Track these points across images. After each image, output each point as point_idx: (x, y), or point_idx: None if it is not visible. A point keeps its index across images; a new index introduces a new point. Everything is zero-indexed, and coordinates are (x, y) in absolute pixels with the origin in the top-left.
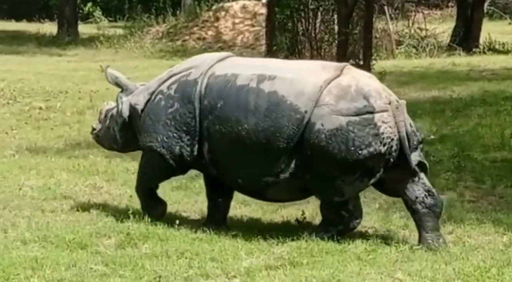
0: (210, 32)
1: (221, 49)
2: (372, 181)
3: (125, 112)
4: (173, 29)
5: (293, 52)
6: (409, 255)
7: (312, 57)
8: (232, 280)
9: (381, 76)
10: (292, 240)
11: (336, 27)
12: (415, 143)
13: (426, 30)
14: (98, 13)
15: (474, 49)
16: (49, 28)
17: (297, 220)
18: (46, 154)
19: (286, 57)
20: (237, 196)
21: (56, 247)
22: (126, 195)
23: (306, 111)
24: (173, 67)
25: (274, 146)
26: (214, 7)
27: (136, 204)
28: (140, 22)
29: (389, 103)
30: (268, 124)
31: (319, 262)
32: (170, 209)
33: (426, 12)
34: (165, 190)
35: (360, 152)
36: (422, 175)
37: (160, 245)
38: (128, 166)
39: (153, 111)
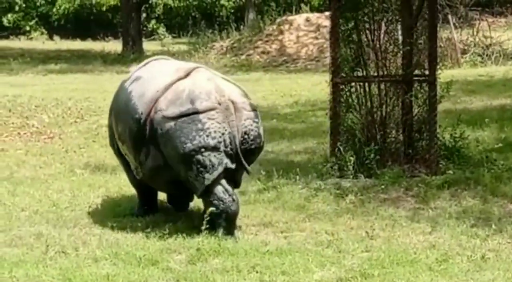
0: (274, 46)
1: (285, 62)
2: (218, 170)
3: None
4: (237, 43)
5: (358, 63)
6: (480, 264)
7: (377, 68)
8: None
9: (448, 85)
10: (363, 251)
11: (400, 38)
12: (246, 146)
13: (491, 38)
14: (162, 30)
15: None
16: (114, 46)
17: (366, 231)
18: (115, 172)
19: (351, 69)
20: (305, 210)
21: (127, 264)
22: (196, 210)
23: (142, 113)
24: None
25: (129, 143)
26: (277, 21)
27: (206, 218)
28: (203, 38)
29: (219, 104)
30: (124, 121)
31: (390, 273)
32: (239, 223)
33: (490, 20)
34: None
35: (185, 146)
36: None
37: (230, 260)
38: None
39: None
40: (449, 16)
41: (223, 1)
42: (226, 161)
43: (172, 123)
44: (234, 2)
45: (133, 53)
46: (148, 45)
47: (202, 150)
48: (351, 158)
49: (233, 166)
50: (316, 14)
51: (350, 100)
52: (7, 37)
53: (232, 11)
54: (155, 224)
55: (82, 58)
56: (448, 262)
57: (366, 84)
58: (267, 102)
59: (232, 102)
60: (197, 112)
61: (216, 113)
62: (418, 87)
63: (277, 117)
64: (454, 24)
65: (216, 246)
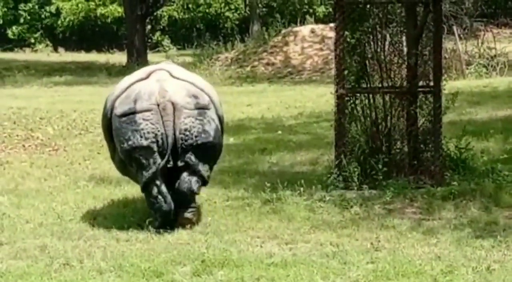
0: (279, 57)
1: (290, 74)
2: (153, 169)
3: None
4: (242, 55)
5: (362, 75)
6: (486, 276)
7: (381, 79)
8: None
9: (453, 96)
10: (368, 263)
11: (405, 49)
12: (183, 145)
13: (496, 49)
14: (166, 41)
15: None
16: (119, 58)
17: (371, 243)
18: (120, 184)
19: (356, 80)
20: (310, 222)
21: (132, 276)
22: (201, 222)
23: (108, 111)
24: None
25: (104, 139)
26: (282, 32)
27: (211, 230)
28: (208, 50)
29: (157, 105)
30: (101, 119)
31: None
32: (244, 235)
33: (495, 31)
34: (239, 215)
35: (122, 145)
36: (185, 174)
37: (235, 272)
38: (202, 194)
39: None
40: (454, 27)
41: (227, 12)
42: (159, 160)
43: (117, 122)
44: (239, 14)
45: (137, 65)
46: (153, 57)
47: (137, 149)
48: (356, 169)
49: (167, 165)
50: (321, 26)
51: (355, 111)
52: (12, 50)
53: (237, 22)
54: (159, 236)
55: (87, 70)
56: (453, 274)
57: (371, 95)
58: (271, 113)
59: (172, 103)
60: (134, 113)
61: (151, 115)
62: (423, 99)
63: (282, 129)
64: (459, 35)
65: (221, 257)
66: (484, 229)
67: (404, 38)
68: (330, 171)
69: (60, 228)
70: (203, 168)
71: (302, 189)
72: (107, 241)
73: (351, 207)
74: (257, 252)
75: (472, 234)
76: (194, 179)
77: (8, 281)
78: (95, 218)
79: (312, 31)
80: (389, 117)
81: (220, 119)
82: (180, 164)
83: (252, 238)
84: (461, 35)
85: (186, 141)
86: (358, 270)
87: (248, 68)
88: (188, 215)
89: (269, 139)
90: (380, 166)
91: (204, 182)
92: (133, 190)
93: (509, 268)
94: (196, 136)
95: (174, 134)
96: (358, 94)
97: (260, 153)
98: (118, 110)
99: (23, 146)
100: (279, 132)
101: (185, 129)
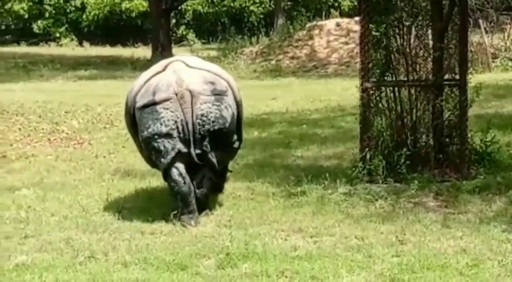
0: (304, 51)
1: (315, 67)
2: (172, 154)
3: None
4: (267, 49)
5: (388, 68)
6: None
7: (407, 73)
8: None
9: (477, 89)
10: (393, 256)
11: (431, 42)
12: (201, 131)
13: None
14: (191, 35)
15: None
16: (143, 52)
17: (396, 236)
18: (144, 177)
19: (381, 74)
20: (335, 215)
21: (157, 268)
22: (225, 215)
23: (129, 105)
24: None
25: (129, 133)
26: (307, 26)
27: (235, 223)
28: (233, 43)
29: (176, 94)
30: (124, 115)
31: (420, 278)
32: (269, 228)
33: None
34: (264, 209)
35: (143, 133)
36: (200, 160)
37: (259, 264)
38: (227, 187)
39: None
40: (480, 21)
41: (252, 6)
42: (179, 146)
43: (138, 114)
44: (263, 8)
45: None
46: (177, 51)
47: (156, 136)
48: (380, 163)
49: (186, 150)
50: (346, 19)
51: (380, 105)
52: (37, 44)
53: (262, 16)
54: (184, 229)
55: (111, 64)
56: (479, 267)
57: (396, 89)
58: (296, 107)
59: (190, 91)
60: (154, 104)
61: (170, 103)
62: (449, 92)
63: (307, 123)
64: (484, 28)
65: (245, 250)
66: (510, 223)
67: (429, 31)
68: (355, 164)
69: (85, 221)
70: (216, 155)
71: (326, 182)
72: (132, 234)
73: (376, 200)
74: (281, 245)
75: (498, 227)
76: (206, 176)
77: (34, 274)
78: (120, 211)
79: (337, 25)
80: (414, 111)
81: (238, 104)
82: (197, 151)
83: (276, 231)
84: (487, 29)
85: (203, 126)
86: (383, 263)
87: (273, 62)
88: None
89: (293, 133)
90: (404, 159)
91: (216, 172)
92: (158, 183)
93: None
94: (213, 122)
95: (192, 120)
96: (383, 88)
97: (285, 146)
98: (139, 103)
99: (49, 139)
100: (304, 126)
101: (202, 115)
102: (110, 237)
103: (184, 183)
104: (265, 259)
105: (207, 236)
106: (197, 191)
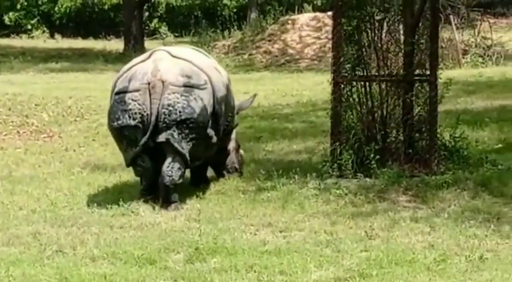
0: (276, 45)
1: (287, 62)
2: (139, 145)
3: None
4: (239, 43)
5: (359, 63)
6: (479, 265)
7: (378, 67)
8: None
9: (447, 84)
10: (361, 251)
11: (402, 38)
12: (166, 120)
13: (492, 39)
14: (164, 29)
15: None
16: (116, 45)
17: (365, 231)
18: (114, 171)
19: (353, 68)
20: (304, 210)
21: (125, 263)
22: (195, 209)
23: (111, 90)
24: None
25: None
26: (280, 20)
27: (205, 218)
28: (206, 37)
29: (148, 84)
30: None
31: (388, 273)
32: (238, 222)
33: (492, 21)
34: (234, 203)
35: (113, 123)
36: (165, 164)
37: (228, 259)
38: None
39: None
40: (451, 17)
41: (225, 0)
42: (145, 137)
43: (113, 100)
44: (236, 2)
45: (134, 52)
46: (150, 44)
47: (126, 128)
48: (350, 157)
49: (146, 140)
50: (319, 14)
51: (351, 99)
52: (8, 36)
53: (235, 10)
54: (153, 223)
55: (83, 57)
56: (446, 262)
57: (367, 83)
58: (268, 101)
59: (162, 81)
60: (126, 92)
61: (139, 95)
62: (419, 87)
63: (278, 117)
64: (455, 24)
65: (214, 245)
66: (478, 218)
67: (401, 26)
68: (325, 159)
69: (53, 214)
70: (186, 146)
71: (297, 177)
72: (101, 228)
73: (346, 195)
74: (250, 240)
75: (466, 223)
76: (175, 167)
77: (1, 268)
78: (89, 205)
79: (310, 19)
80: (385, 106)
81: (217, 101)
82: (160, 139)
83: (246, 225)
84: (458, 25)
85: (169, 115)
86: (352, 258)
87: (246, 56)
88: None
89: (265, 128)
90: (374, 154)
91: (186, 163)
92: (128, 177)
93: (502, 257)
94: (180, 112)
95: (158, 109)
96: (355, 82)
97: (256, 140)
98: (116, 89)
99: (18, 132)
100: (275, 120)
101: (168, 105)
102: (79, 231)
103: (149, 171)
104: (234, 254)
105: (176, 230)
106: (166, 178)
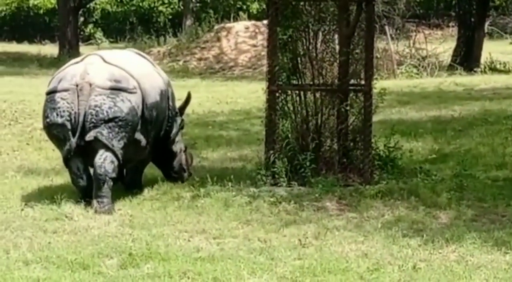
0: (211, 52)
1: (222, 69)
2: (68, 145)
3: None
4: (175, 49)
5: (294, 72)
6: (411, 274)
7: (313, 77)
8: None
9: (382, 95)
10: (295, 259)
11: (337, 47)
12: (93, 120)
13: (427, 50)
14: (99, 34)
15: (475, 69)
16: (50, 49)
17: (299, 239)
18: (48, 175)
19: (288, 77)
20: (238, 217)
21: (58, 267)
22: (129, 215)
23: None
24: None
25: None
26: (215, 27)
27: (139, 223)
28: (141, 43)
29: (77, 86)
30: None
31: (322, 281)
32: (172, 229)
33: (427, 32)
34: (168, 209)
35: (43, 121)
36: (97, 157)
37: (162, 265)
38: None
39: None
40: (386, 27)
41: (161, 7)
42: (73, 138)
43: (44, 100)
44: (172, 9)
45: (69, 57)
46: (85, 50)
47: (54, 126)
48: (282, 165)
49: (81, 142)
50: (255, 22)
51: (285, 108)
52: None
53: (170, 17)
54: (86, 228)
55: (18, 61)
56: (380, 271)
57: (302, 92)
58: (202, 109)
59: (90, 84)
60: (55, 91)
61: (68, 94)
62: (354, 97)
63: (213, 125)
64: (391, 35)
65: (148, 251)
66: (411, 228)
67: (336, 36)
68: (260, 167)
69: None
70: (117, 144)
71: (231, 184)
72: (34, 232)
73: (280, 203)
74: (184, 246)
75: (399, 232)
76: (108, 160)
77: None
78: (22, 209)
79: (246, 27)
80: (319, 115)
81: (147, 107)
82: (89, 138)
83: (180, 232)
84: (393, 35)
85: (96, 115)
86: (285, 266)
87: (181, 63)
88: (101, 210)
89: (199, 135)
90: (308, 163)
91: (118, 160)
92: (61, 181)
93: (435, 267)
94: (106, 111)
95: (85, 111)
96: (289, 91)
97: (190, 147)
98: (47, 89)
99: None
100: (210, 127)
101: (95, 106)
102: (12, 235)
103: (82, 178)
104: (168, 260)
105: (110, 235)
106: (98, 169)
